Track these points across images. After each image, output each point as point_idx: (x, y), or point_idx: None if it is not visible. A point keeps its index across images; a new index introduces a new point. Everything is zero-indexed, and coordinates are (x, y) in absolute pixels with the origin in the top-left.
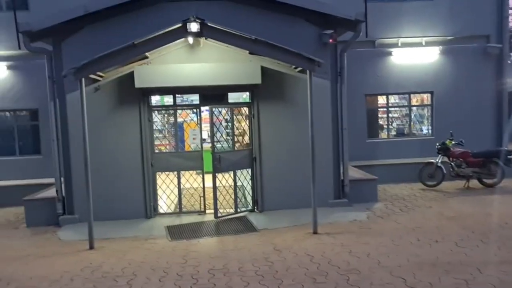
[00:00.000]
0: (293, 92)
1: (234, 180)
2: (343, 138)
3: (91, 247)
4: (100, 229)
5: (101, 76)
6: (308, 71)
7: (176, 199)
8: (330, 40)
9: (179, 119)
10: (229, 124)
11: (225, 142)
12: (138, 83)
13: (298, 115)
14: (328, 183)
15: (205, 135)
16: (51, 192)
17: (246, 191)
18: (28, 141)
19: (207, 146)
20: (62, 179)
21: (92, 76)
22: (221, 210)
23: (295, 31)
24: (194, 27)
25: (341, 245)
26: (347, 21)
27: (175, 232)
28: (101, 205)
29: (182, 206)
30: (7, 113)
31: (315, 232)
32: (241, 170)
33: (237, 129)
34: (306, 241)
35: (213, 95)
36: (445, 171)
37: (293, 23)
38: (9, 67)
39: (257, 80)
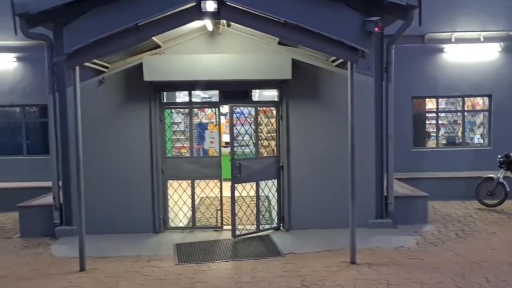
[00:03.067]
0: (329, 90)
1: (257, 193)
2: (388, 147)
3: (82, 269)
4: (99, 245)
5: (106, 67)
6: (349, 64)
7: (189, 211)
8: (376, 29)
9: (198, 120)
10: (252, 126)
11: (247, 148)
12: (147, 76)
13: (335, 118)
14: (369, 199)
15: (226, 138)
16: (50, 199)
17: (271, 205)
18: (37, 140)
19: (226, 151)
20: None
21: (93, 66)
22: (240, 227)
23: (334, 18)
24: (210, 6)
25: (387, 283)
26: (396, 6)
27: (185, 252)
28: (103, 216)
29: (196, 220)
30: (17, 109)
31: (352, 262)
32: (266, 181)
33: (261, 132)
34: (341, 274)
35: (235, 92)
36: (508, 188)
37: (332, 8)
38: (17, 59)
39: (287, 75)
